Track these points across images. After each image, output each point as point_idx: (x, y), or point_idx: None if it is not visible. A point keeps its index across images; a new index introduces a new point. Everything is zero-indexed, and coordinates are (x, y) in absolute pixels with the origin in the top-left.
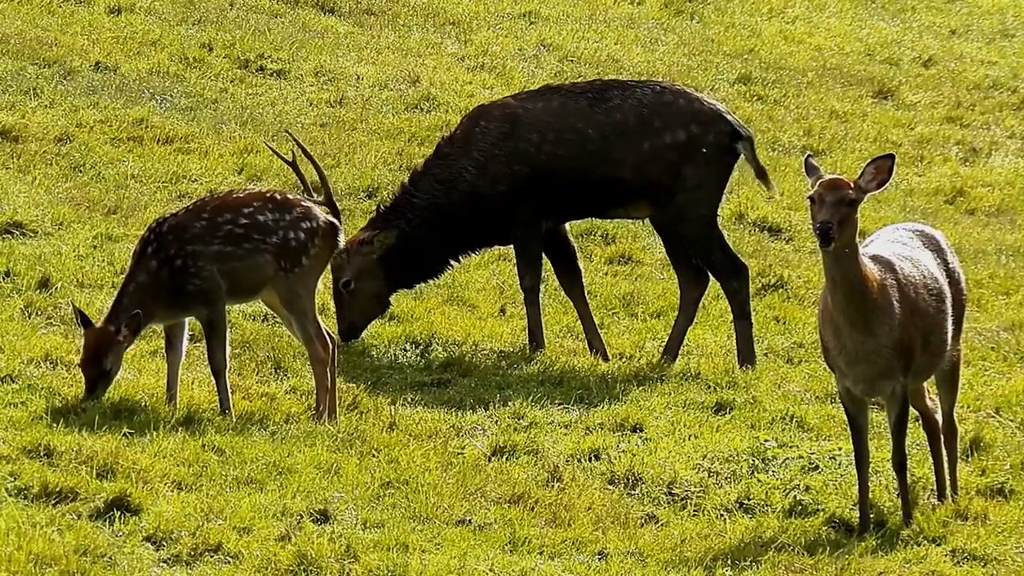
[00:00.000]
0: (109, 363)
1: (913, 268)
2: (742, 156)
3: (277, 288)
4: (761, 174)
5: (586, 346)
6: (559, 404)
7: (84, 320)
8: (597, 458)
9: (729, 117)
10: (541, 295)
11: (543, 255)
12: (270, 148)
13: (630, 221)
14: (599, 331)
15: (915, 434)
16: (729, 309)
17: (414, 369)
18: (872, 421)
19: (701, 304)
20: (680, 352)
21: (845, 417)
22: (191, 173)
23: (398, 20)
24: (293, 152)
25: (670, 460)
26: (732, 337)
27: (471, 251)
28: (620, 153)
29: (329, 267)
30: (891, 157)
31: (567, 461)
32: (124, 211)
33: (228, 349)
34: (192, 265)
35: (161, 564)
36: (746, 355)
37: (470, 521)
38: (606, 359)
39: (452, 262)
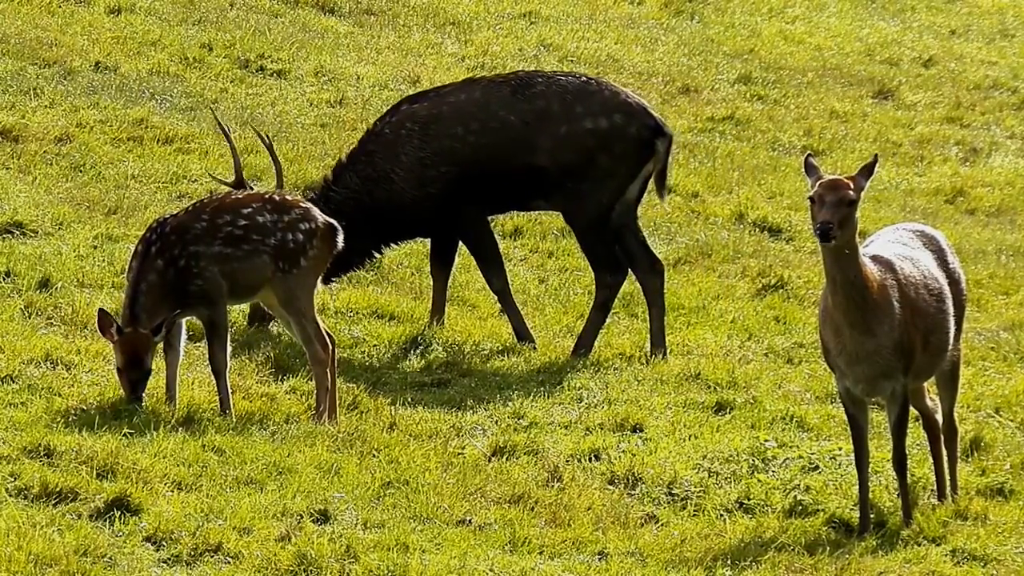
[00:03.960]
0: (149, 363)
1: (913, 268)
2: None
3: (276, 289)
4: (662, 177)
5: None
6: (559, 404)
7: (118, 328)
8: (597, 458)
9: (654, 113)
10: (541, 296)
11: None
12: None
13: None
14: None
15: (915, 434)
16: (727, 310)
17: (414, 369)
18: (872, 421)
19: (701, 305)
20: (680, 352)
21: (845, 417)
22: (191, 173)
23: (398, 20)
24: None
25: (670, 460)
26: (732, 337)
27: (392, 245)
28: (539, 139)
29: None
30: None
31: (567, 461)
32: (124, 211)
33: (229, 349)
34: (195, 266)
35: (161, 564)
36: (583, 343)
37: (470, 521)
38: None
39: (375, 254)
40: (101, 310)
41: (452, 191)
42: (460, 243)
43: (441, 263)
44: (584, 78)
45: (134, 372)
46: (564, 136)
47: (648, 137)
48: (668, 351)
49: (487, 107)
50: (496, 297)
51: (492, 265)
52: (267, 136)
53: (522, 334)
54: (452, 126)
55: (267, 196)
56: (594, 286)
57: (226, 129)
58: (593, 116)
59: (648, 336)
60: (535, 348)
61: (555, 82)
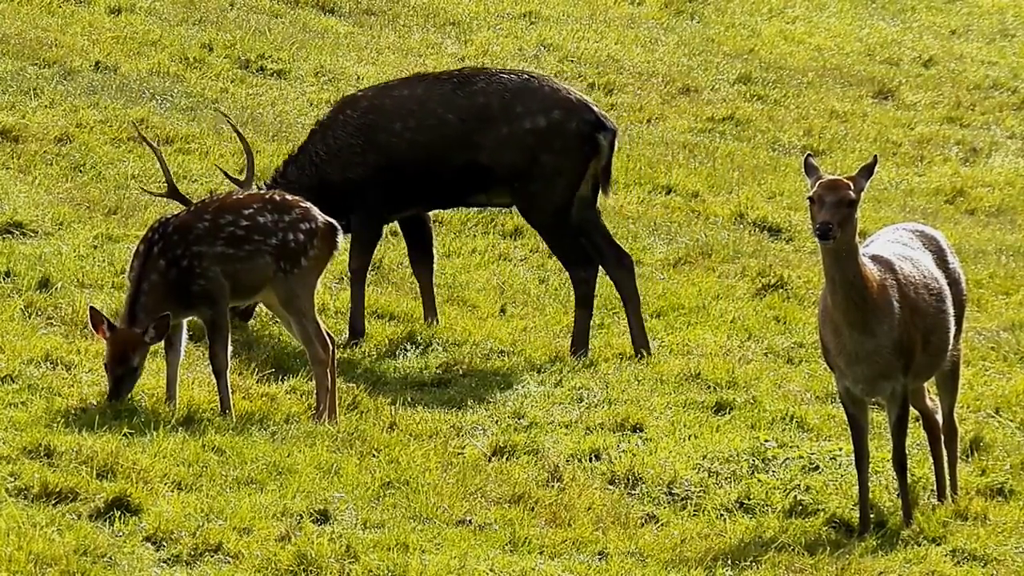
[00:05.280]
0: (136, 362)
1: (913, 268)
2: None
3: (276, 289)
4: (606, 172)
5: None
6: (559, 404)
7: (109, 324)
8: (597, 458)
9: (595, 108)
10: (541, 296)
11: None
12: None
13: (630, 222)
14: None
15: (915, 434)
16: (727, 310)
17: (414, 369)
18: (872, 421)
19: (701, 304)
20: (680, 352)
21: (845, 417)
22: (191, 173)
23: (398, 20)
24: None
25: (670, 460)
26: (732, 337)
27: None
28: (478, 138)
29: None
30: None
31: (567, 461)
32: (124, 211)
33: (230, 349)
34: (197, 266)
35: (161, 564)
36: (577, 343)
37: (470, 521)
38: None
39: None
40: (92, 308)
41: (372, 179)
42: (436, 242)
43: (420, 261)
44: (526, 76)
45: (119, 368)
46: (506, 136)
47: (588, 132)
48: (652, 346)
49: (426, 104)
50: (350, 275)
51: (364, 248)
52: (233, 121)
53: (354, 320)
54: (391, 121)
55: (268, 196)
56: (571, 284)
57: (150, 142)
58: (532, 115)
59: (631, 334)
60: (362, 339)
61: (496, 80)
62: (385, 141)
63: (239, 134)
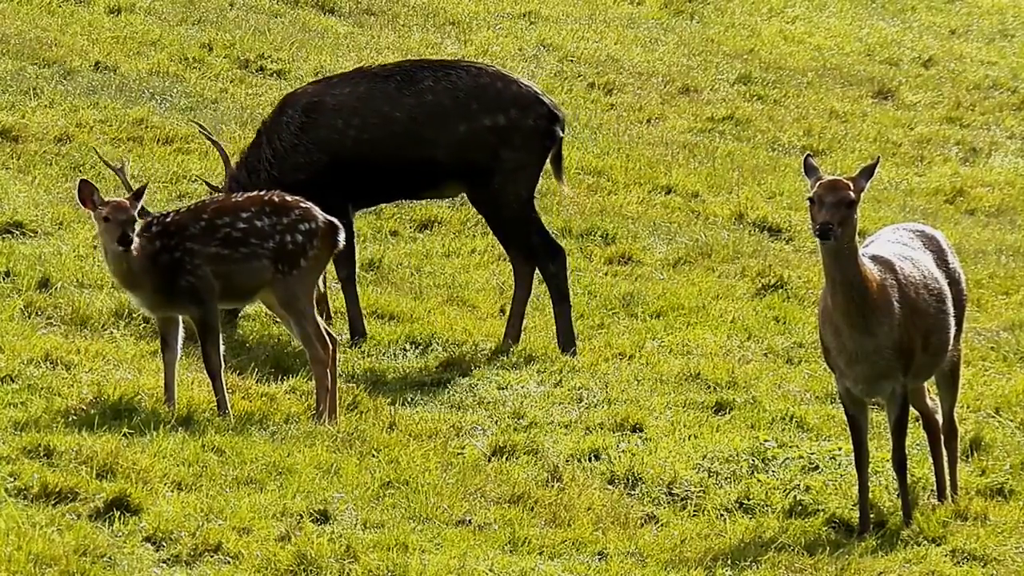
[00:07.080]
0: (133, 212)
1: (913, 268)
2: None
3: (275, 290)
4: (558, 159)
5: (580, 346)
6: (559, 404)
7: (99, 196)
8: (597, 458)
9: (545, 99)
10: (541, 295)
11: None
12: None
13: (630, 222)
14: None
15: (915, 434)
16: (727, 310)
17: (414, 369)
18: (872, 421)
19: (701, 304)
20: (680, 352)
21: (845, 417)
22: (191, 173)
23: (398, 20)
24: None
25: (670, 460)
26: (732, 337)
27: None
28: (433, 135)
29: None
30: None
31: (567, 461)
32: None
33: (223, 349)
34: (188, 262)
35: (161, 564)
36: (565, 340)
37: (470, 521)
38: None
39: None
40: (82, 180)
41: (322, 178)
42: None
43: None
44: (474, 70)
45: (122, 214)
46: (464, 134)
47: (545, 126)
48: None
49: (369, 102)
50: (340, 284)
51: (348, 251)
52: (208, 131)
53: (355, 325)
54: (333, 118)
55: (267, 198)
56: (545, 283)
57: (106, 159)
58: (490, 113)
59: (507, 324)
60: (364, 339)
61: (444, 77)
62: (327, 138)
63: (215, 142)
